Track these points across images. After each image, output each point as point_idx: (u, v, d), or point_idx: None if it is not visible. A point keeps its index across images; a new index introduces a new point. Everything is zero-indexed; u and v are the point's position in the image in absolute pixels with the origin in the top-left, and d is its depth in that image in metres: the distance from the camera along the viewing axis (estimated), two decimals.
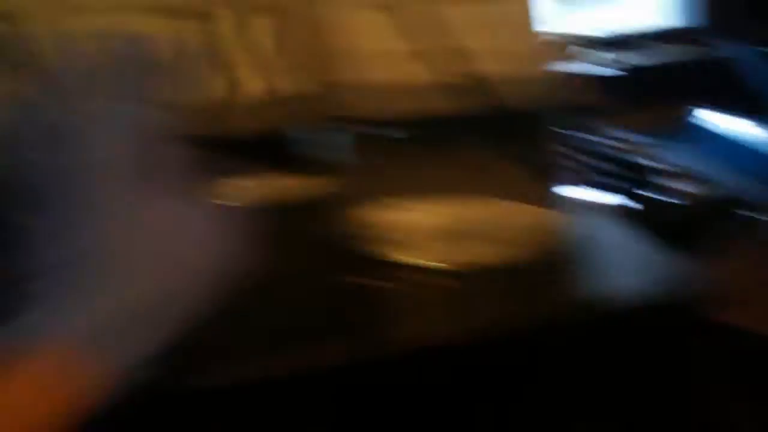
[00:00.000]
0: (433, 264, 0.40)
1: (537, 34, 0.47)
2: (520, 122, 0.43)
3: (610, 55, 1.33)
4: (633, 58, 1.34)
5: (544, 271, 0.40)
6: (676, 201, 0.94)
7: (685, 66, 1.32)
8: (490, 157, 0.41)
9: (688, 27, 1.41)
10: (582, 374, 0.38)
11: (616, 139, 1.11)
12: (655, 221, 0.89)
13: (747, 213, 0.83)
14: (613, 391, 0.39)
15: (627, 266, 0.41)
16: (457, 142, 0.43)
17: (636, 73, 1.29)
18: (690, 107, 1.22)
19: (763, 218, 0.80)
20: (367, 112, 0.40)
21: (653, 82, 1.31)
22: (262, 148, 0.44)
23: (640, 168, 1.00)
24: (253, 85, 0.45)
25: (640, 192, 0.95)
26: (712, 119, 1.18)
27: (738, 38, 1.28)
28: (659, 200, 0.94)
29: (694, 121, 1.20)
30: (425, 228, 0.41)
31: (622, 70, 1.27)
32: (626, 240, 0.44)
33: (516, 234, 0.41)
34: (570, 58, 1.27)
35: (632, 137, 1.11)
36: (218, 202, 0.29)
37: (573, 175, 0.98)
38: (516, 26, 0.45)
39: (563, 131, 1.07)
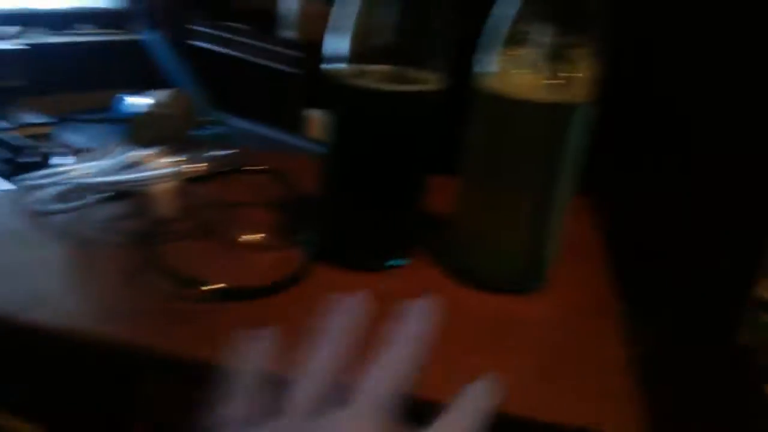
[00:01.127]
0: None
1: None
2: None
3: (12, 31, 1.26)
4: (44, 38, 1.29)
5: None
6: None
7: (105, 48, 1.35)
8: None
9: (109, 10, 1.42)
10: None
11: (18, 123, 1.07)
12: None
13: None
14: None
15: None
16: None
17: (48, 53, 1.26)
18: (111, 88, 1.18)
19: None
20: None
21: (70, 63, 1.29)
22: None
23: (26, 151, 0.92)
24: None
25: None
26: (130, 99, 1.13)
27: (153, 24, 1.33)
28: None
29: (116, 101, 1.16)
30: None
31: (27, 49, 1.21)
32: None
33: None
34: None
35: (38, 119, 1.09)
36: None
37: None
38: None
39: None
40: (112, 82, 1.36)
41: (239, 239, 0.59)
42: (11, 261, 0.54)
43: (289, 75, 1.13)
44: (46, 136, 1.13)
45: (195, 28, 1.29)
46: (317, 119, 1.13)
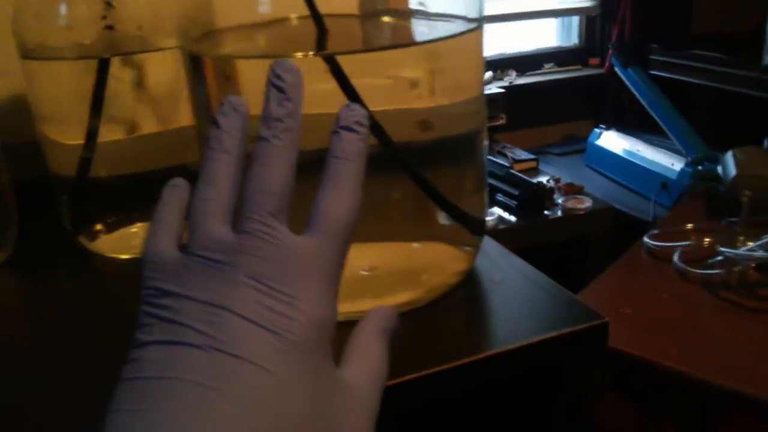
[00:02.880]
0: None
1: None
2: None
3: (500, 77, 1.47)
4: (525, 78, 1.49)
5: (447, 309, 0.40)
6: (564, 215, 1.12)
7: (577, 84, 1.51)
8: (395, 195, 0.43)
9: (568, 48, 1.58)
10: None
11: (508, 157, 1.30)
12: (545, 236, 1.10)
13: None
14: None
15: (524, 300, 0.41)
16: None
17: (528, 91, 1.45)
18: (583, 123, 1.43)
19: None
20: None
21: (546, 100, 1.48)
22: None
23: (531, 185, 1.14)
24: None
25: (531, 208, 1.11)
26: (603, 135, 1.34)
27: (625, 58, 1.37)
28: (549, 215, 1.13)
29: (587, 136, 1.37)
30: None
31: (510, 89, 1.39)
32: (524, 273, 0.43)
33: (420, 274, 0.40)
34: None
35: (524, 154, 1.32)
36: None
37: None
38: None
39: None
40: (573, 116, 1.51)
41: None
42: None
43: None
44: (534, 170, 1.31)
45: (655, 57, 1.35)
46: None
